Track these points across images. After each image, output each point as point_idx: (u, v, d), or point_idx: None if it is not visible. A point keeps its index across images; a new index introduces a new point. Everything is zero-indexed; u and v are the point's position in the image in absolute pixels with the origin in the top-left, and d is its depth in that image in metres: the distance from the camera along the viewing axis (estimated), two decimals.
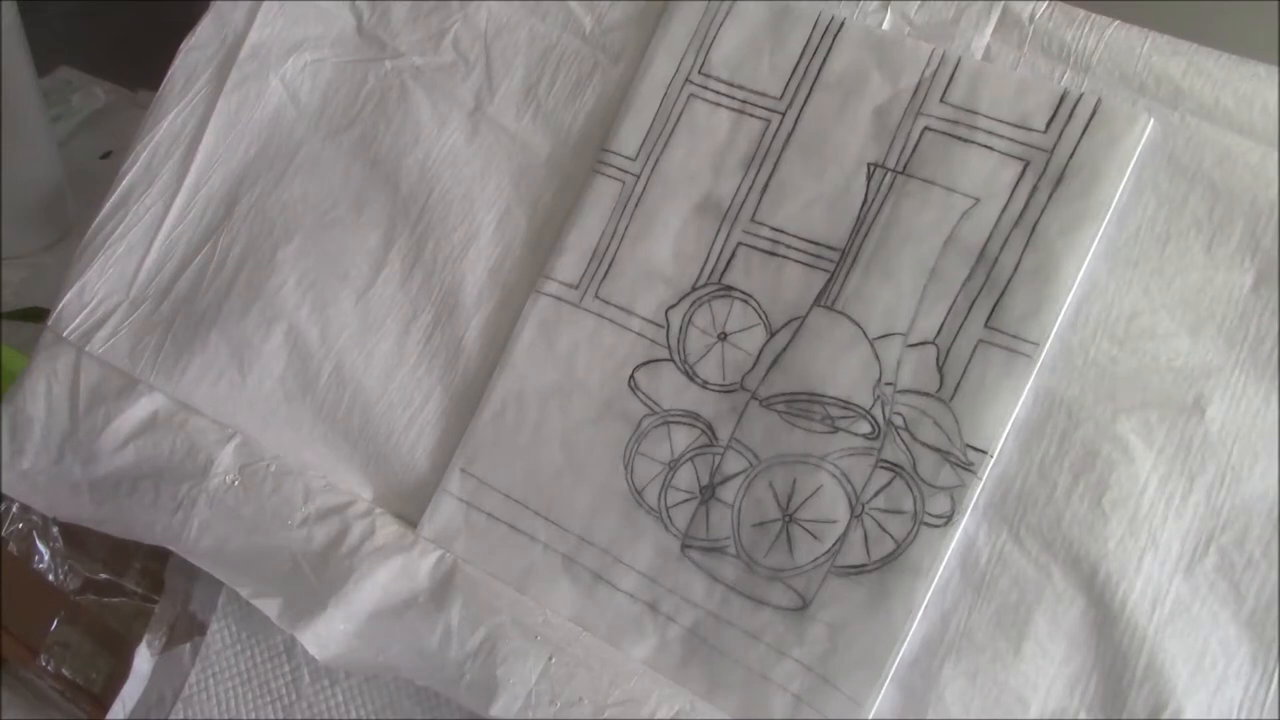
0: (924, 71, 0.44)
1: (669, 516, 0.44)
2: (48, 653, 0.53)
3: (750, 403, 0.44)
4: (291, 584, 0.47)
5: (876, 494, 0.42)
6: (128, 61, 0.93)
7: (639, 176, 0.47)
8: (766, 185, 0.45)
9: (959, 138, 0.43)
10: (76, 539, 0.55)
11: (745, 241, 0.45)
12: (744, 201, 0.45)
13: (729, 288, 0.45)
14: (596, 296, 0.47)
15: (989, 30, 0.44)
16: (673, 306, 0.46)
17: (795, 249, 0.44)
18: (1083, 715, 0.39)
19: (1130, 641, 0.39)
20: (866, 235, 0.43)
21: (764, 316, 0.44)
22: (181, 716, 0.51)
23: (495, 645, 0.44)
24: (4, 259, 0.81)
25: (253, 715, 0.50)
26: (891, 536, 0.41)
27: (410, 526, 0.48)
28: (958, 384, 0.41)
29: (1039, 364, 0.41)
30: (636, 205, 0.47)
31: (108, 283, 0.53)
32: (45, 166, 0.80)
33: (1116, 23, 0.43)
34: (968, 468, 0.41)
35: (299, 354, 0.50)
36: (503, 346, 0.48)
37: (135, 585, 0.55)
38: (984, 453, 0.41)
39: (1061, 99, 0.42)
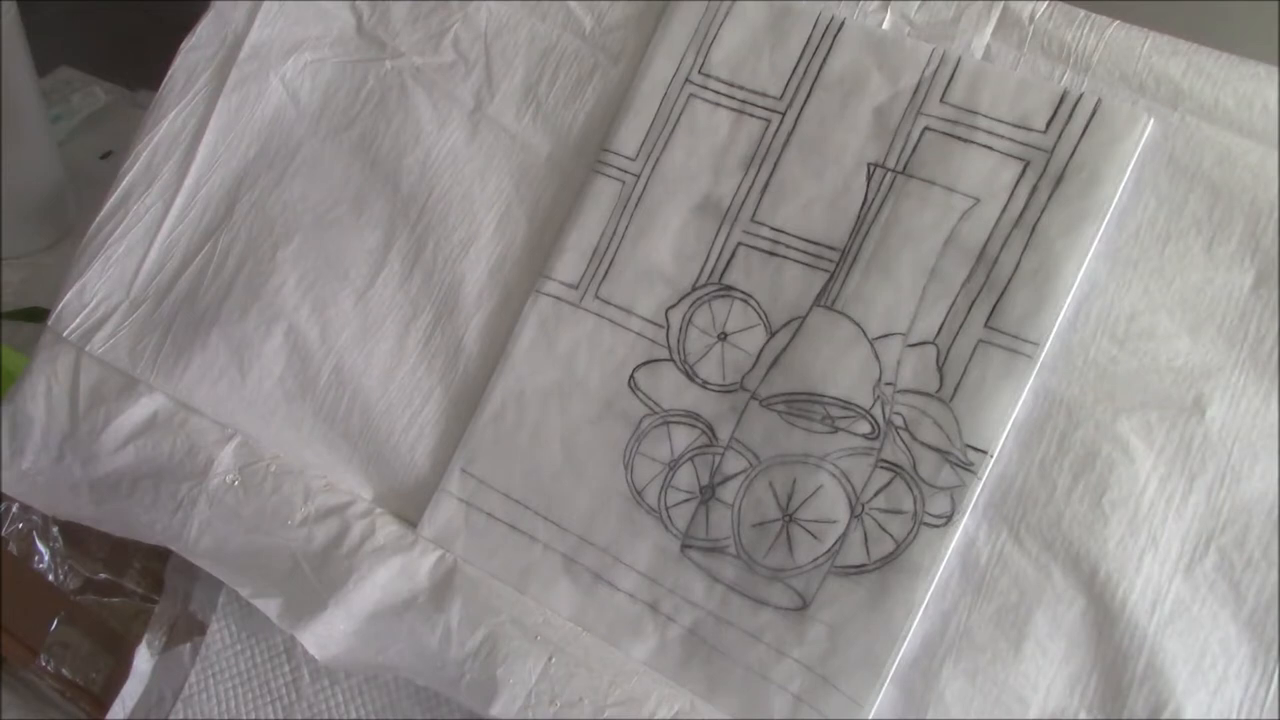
0: (924, 71, 0.44)
1: (669, 516, 0.44)
2: (48, 653, 0.53)
3: (750, 403, 0.44)
4: (291, 584, 0.47)
5: (876, 494, 0.42)
6: (128, 61, 0.93)
7: (639, 176, 0.47)
8: (766, 185, 0.45)
9: (959, 138, 0.43)
10: (76, 539, 0.55)
11: (745, 241, 0.45)
12: (744, 201, 0.45)
13: (729, 288, 0.45)
14: (596, 296, 0.47)
15: (989, 30, 0.44)
16: (673, 306, 0.46)
17: (795, 249, 0.44)
18: (1083, 715, 0.39)
19: (1130, 641, 0.39)
20: (866, 235, 0.43)
21: (764, 316, 0.44)
22: (181, 716, 0.51)
23: (495, 645, 0.44)
24: (4, 259, 0.81)
25: (253, 715, 0.50)
26: (891, 536, 0.41)
27: (410, 526, 0.48)
28: (958, 384, 0.41)
29: (1039, 364, 0.41)
30: (636, 205, 0.47)
31: (108, 283, 0.53)
32: (45, 166, 0.80)
33: (1116, 23, 0.43)
34: (968, 468, 0.41)
35: (299, 354, 0.50)
36: (503, 346, 0.48)
37: (135, 585, 0.55)
38: (984, 453, 0.41)
39: (1061, 99, 0.42)
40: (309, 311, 0.50)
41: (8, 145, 0.75)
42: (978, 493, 0.41)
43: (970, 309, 0.42)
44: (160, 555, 0.53)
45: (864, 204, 0.44)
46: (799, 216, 0.44)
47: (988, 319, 0.41)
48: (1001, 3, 0.44)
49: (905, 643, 0.41)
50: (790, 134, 0.45)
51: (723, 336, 0.45)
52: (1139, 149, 0.41)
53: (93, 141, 0.91)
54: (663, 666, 0.44)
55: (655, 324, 0.46)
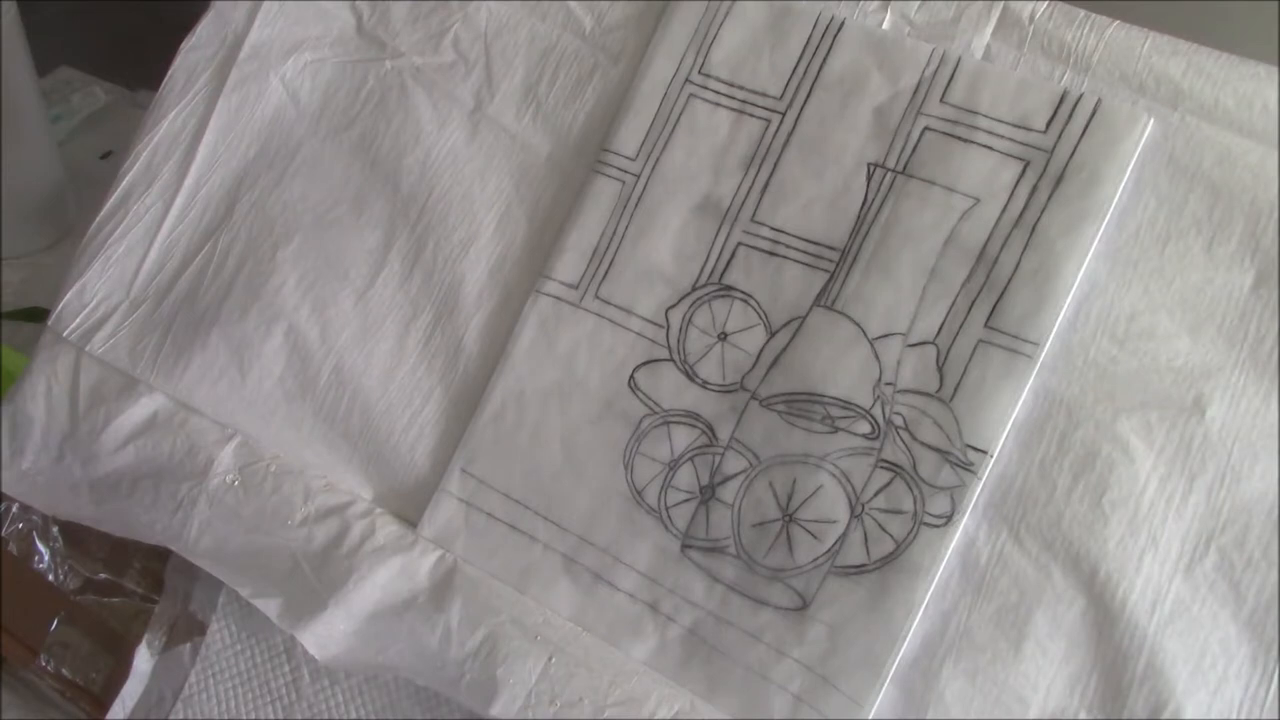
0: (924, 71, 0.44)
1: (669, 516, 0.44)
2: (48, 653, 0.53)
3: (750, 403, 0.44)
4: (291, 584, 0.47)
5: (876, 494, 0.42)
6: (128, 61, 0.93)
7: (639, 176, 0.47)
8: (766, 185, 0.45)
9: (959, 138, 0.43)
10: (76, 539, 0.55)
11: (745, 241, 0.45)
12: (744, 201, 0.45)
13: (729, 288, 0.45)
14: (596, 296, 0.47)
15: (989, 30, 0.44)
16: (673, 306, 0.46)
17: (795, 249, 0.44)
18: (1083, 715, 0.39)
19: (1130, 641, 0.39)
20: (866, 235, 0.43)
21: (764, 316, 0.44)
22: (181, 716, 0.51)
23: (495, 645, 0.44)
24: (4, 259, 0.81)
25: (253, 715, 0.50)
26: (891, 536, 0.41)
27: (410, 526, 0.48)
28: (958, 384, 0.41)
29: (1039, 364, 0.41)
30: (636, 205, 0.47)
31: (108, 283, 0.53)
32: (45, 166, 0.80)
33: (1116, 23, 0.43)
34: (968, 468, 0.41)
35: (299, 354, 0.50)
36: (503, 346, 0.48)
37: (135, 585, 0.55)
38: (984, 453, 0.41)
39: (1061, 99, 0.42)
40: (309, 311, 0.50)
41: (8, 145, 0.75)
42: (978, 493, 0.41)
43: (970, 309, 0.42)
44: (160, 555, 0.53)
45: (864, 204, 0.44)
46: (799, 216, 0.44)
47: (988, 319, 0.41)
48: (1001, 3, 0.44)
49: (905, 643, 0.41)
50: (790, 134, 0.45)
51: (723, 336, 0.45)
52: (1139, 149, 0.41)
53: (93, 141, 0.91)
54: (663, 666, 0.44)
55: (655, 324, 0.46)
